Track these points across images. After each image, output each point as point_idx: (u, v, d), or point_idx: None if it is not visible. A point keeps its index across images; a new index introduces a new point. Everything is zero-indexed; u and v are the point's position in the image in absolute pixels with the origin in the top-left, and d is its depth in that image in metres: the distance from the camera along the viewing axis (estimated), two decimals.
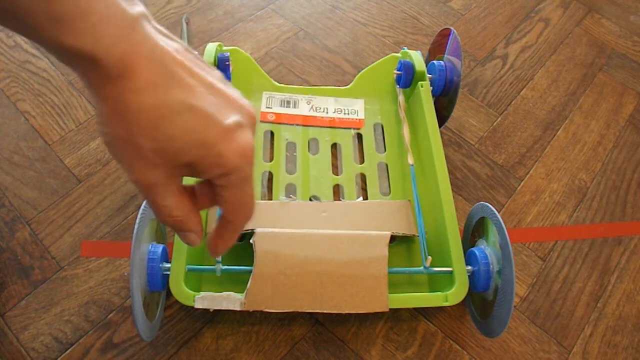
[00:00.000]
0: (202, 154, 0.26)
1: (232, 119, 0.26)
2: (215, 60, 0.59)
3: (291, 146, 0.61)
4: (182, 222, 0.29)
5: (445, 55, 0.62)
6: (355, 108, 0.64)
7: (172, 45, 0.26)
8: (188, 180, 0.30)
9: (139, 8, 0.24)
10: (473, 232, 0.51)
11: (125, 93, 0.24)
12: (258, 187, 0.58)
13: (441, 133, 0.57)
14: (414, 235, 0.51)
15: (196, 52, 0.27)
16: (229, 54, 0.61)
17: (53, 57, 0.25)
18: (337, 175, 0.59)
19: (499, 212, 0.52)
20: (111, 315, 0.49)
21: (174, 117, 0.25)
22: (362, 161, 0.61)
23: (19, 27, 0.22)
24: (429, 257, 0.47)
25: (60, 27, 0.22)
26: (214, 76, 0.27)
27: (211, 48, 0.60)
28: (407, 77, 0.62)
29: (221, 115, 0.26)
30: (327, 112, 0.64)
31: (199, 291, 0.44)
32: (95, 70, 0.24)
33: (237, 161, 0.27)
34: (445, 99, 0.63)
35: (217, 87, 0.27)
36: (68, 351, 0.47)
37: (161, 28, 0.26)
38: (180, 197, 0.28)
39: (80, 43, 0.22)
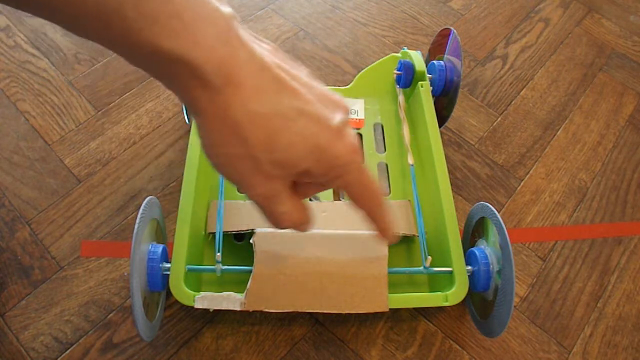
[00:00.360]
0: (319, 158, 0.25)
1: (337, 117, 0.26)
2: None
3: None
4: (298, 220, 0.28)
5: (445, 55, 0.62)
6: (355, 108, 0.64)
7: (265, 46, 0.24)
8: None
9: (229, 8, 0.22)
10: (473, 232, 0.51)
11: (235, 105, 0.22)
12: None
13: (441, 133, 0.57)
14: (414, 235, 0.51)
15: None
16: None
17: (150, 73, 0.22)
18: None
19: (499, 212, 0.52)
20: (111, 315, 0.49)
21: (289, 124, 0.24)
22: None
23: (109, 33, 0.20)
24: (429, 257, 0.47)
25: (155, 28, 0.20)
26: (308, 75, 0.26)
27: None
28: (407, 77, 0.62)
29: (328, 115, 0.25)
30: None
31: (199, 291, 0.44)
32: (197, 80, 0.21)
33: (349, 157, 0.26)
34: (445, 99, 0.63)
35: (315, 86, 0.26)
36: (68, 351, 0.47)
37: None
38: (295, 198, 0.28)
39: (176, 46, 0.20)
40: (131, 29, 0.20)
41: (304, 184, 0.29)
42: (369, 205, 0.29)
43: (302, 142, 0.24)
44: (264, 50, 0.24)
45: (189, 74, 0.21)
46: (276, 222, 0.28)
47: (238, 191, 0.56)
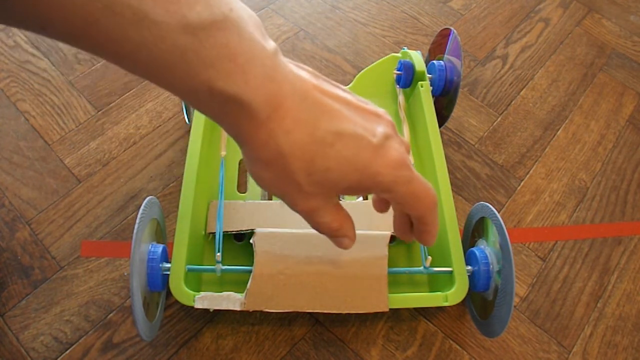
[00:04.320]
0: (358, 179, 0.26)
1: (378, 133, 0.27)
2: None
3: None
4: (337, 230, 0.30)
5: (445, 55, 0.62)
6: None
7: (304, 72, 0.26)
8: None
9: (272, 43, 0.24)
10: (473, 232, 0.51)
11: (277, 136, 0.24)
12: (258, 187, 0.58)
13: (441, 133, 0.57)
14: None
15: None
16: None
17: (200, 109, 0.24)
18: None
19: (499, 212, 0.52)
20: (111, 315, 0.49)
21: (327, 149, 0.25)
22: None
23: (166, 76, 0.21)
24: (429, 257, 0.47)
25: (212, 71, 0.21)
26: (345, 92, 0.27)
27: None
28: (407, 77, 0.62)
29: (368, 133, 0.26)
30: None
31: (199, 291, 0.44)
32: (244, 114, 0.23)
33: (393, 174, 0.27)
34: (445, 99, 0.63)
35: (354, 102, 0.27)
36: (68, 351, 0.47)
37: (286, 59, 0.26)
38: (337, 210, 0.29)
39: (230, 86, 0.22)
40: (190, 73, 0.21)
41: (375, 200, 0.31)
42: (419, 213, 0.30)
43: (339, 165, 0.26)
44: (304, 76, 0.25)
45: (237, 109, 0.23)
46: (315, 228, 0.30)
47: (238, 191, 0.56)
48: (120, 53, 0.20)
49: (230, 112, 0.23)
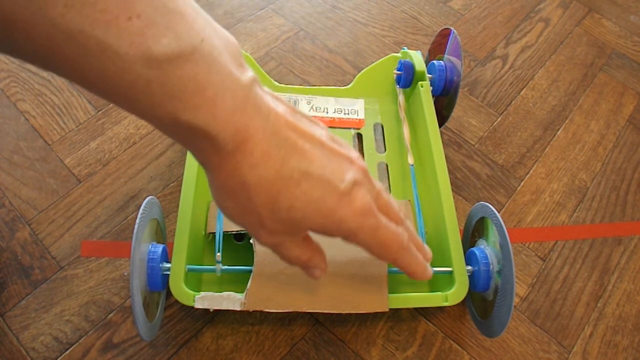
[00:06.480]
0: (322, 223, 0.26)
1: (347, 179, 0.26)
2: None
3: None
4: (307, 262, 0.30)
5: (445, 55, 0.62)
6: (355, 108, 0.64)
7: (281, 107, 0.25)
8: None
9: (250, 73, 0.23)
10: (473, 232, 0.51)
11: (243, 168, 0.24)
12: None
13: (441, 133, 0.57)
14: None
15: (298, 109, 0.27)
16: None
17: (166, 135, 0.24)
18: None
19: (499, 212, 0.52)
20: (111, 315, 0.49)
21: (292, 188, 0.25)
22: None
23: (131, 104, 0.21)
24: None
25: (178, 103, 0.21)
26: (321, 131, 0.27)
27: None
28: (407, 77, 0.62)
29: (336, 178, 0.26)
30: (327, 112, 0.64)
31: (199, 291, 0.44)
32: (210, 145, 0.23)
33: (358, 221, 0.27)
34: (445, 99, 0.63)
35: (328, 145, 0.27)
36: (68, 351, 0.47)
37: (266, 89, 0.25)
38: (305, 243, 0.29)
39: (195, 118, 0.21)
40: (155, 104, 0.21)
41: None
42: (389, 259, 0.30)
43: (303, 206, 0.25)
44: (280, 111, 0.25)
45: (202, 140, 0.23)
46: (283, 260, 0.30)
47: None
48: (85, 80, 0.20)
49: (196, 141, 0.23)
